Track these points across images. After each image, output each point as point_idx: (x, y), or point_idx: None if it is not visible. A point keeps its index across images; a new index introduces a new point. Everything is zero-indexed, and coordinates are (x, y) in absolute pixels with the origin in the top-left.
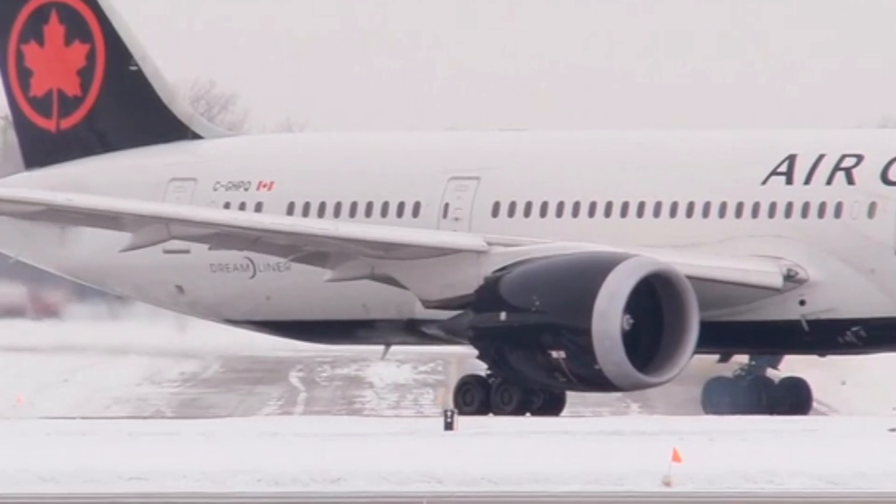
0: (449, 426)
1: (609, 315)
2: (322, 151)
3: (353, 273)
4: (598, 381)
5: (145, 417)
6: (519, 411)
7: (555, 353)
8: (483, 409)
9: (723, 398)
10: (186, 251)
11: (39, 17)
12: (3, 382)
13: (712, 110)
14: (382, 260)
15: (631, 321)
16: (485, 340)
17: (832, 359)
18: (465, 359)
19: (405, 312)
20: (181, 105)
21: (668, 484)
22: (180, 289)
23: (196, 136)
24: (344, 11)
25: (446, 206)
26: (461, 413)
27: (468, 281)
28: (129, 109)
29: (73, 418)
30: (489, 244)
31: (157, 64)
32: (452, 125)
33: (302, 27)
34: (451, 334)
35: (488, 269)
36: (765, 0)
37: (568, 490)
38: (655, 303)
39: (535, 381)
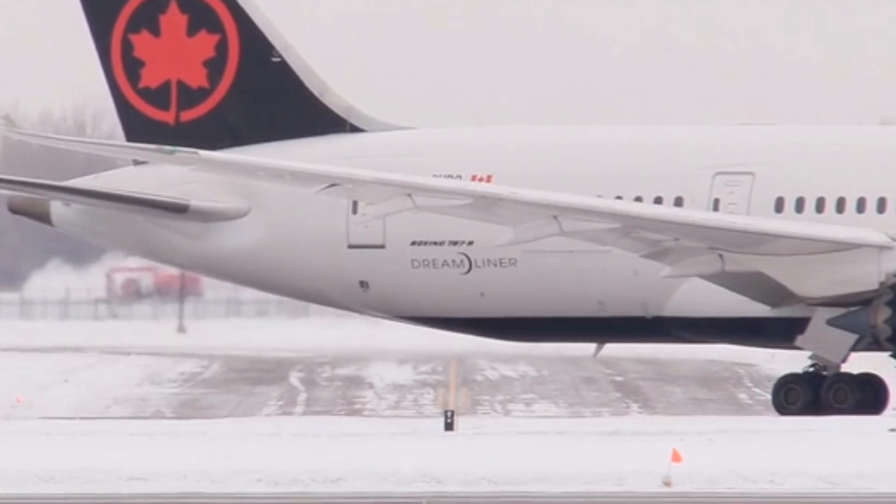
0: (449, 426)
1: None
2: (545, 144)
3: (699, 269)
4: None
5: (145, 417)
6: (854, 410)
7: None
8: (809, 408)
9: None
10: (381, 246)
11: (154, 7)
12: (3, 382)
13: (705, 105)
14: (746, 255)
15: None
16: None
17: None
18: (465, 359)
19: (651, 310)
20: (335, 97)
21: (668, 484)
22: (365, 285)
23: (355, 129)
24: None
25: (716, 201)
26: (780, 413)
27: (866, 277)
28: (270, 102)
29: (73, 418)
30: (893, 239)
31: (301, 54)
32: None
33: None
34: (850, 331)
35: (893, 265)
36: None
37: (568, 490)
38: None
39: None
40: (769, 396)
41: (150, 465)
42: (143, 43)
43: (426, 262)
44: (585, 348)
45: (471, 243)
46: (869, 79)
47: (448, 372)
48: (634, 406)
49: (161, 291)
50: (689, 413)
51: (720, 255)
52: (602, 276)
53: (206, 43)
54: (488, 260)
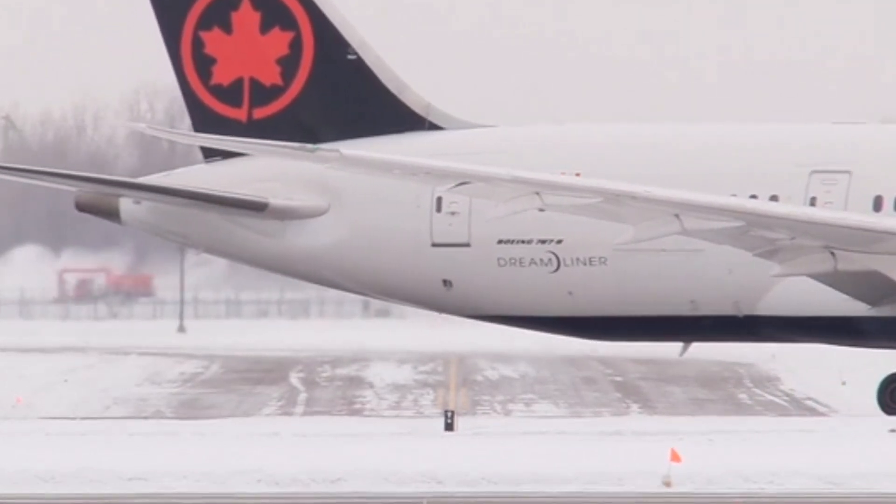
0: (449, 426)
1: None
2: (632, 142)
3: (811, 268)
4: None
5: (145, 417)
6: None
7: None
8: None
9: None
10: (466, 244)
11: (225, 4)
12: (3, 382)
13: (702, 104)
14: (862, 254)
15: None
16: None
17: None
18: (465, 359)
19: (744, 309)
20: (414, 95)
21: (667, 484)
22: (448, 284)
23: (434, 127)
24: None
25: (812, 199)
26: (887, 413)
27: None
28: (346, 100)
29: (73, 418)
30: None
31: (378, 53)
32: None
33: None
34: None
35: None
36: None
37: (568, 490)
38: None
39: None
40: (769, 396)
41: (150, 465)
42: (214, 40)
43: (513, 261)
44: (586, 348)
45: (559, 241)
46: (869, 79)
47: (448, 372)
48: (634, 406)
49: (114, 292)
50: (689, 413)
51: (832, 254)
52: (694, 274)
53: (279, 40)
54: (577, 258)
